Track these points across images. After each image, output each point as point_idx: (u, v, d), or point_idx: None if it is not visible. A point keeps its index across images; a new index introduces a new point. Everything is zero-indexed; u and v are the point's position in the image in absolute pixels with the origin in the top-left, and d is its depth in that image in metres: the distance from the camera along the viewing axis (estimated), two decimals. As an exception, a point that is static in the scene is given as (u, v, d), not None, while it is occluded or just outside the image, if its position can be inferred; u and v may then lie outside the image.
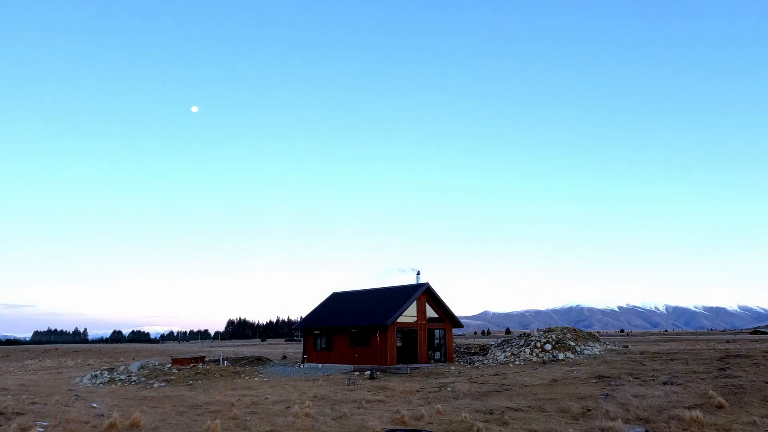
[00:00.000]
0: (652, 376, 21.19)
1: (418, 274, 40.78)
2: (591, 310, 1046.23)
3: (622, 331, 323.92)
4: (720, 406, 14.22)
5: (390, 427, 13.23)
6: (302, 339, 42.88)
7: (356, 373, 31.64)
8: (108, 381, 29.23)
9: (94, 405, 18.11)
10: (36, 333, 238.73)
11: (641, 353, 31.42)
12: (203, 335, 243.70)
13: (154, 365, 33.67)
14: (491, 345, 45.71)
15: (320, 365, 37.98)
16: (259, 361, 44.19)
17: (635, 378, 21.12)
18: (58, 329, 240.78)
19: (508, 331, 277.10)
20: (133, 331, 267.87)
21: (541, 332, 36.82)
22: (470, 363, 35.12)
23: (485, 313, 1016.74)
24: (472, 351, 46.03)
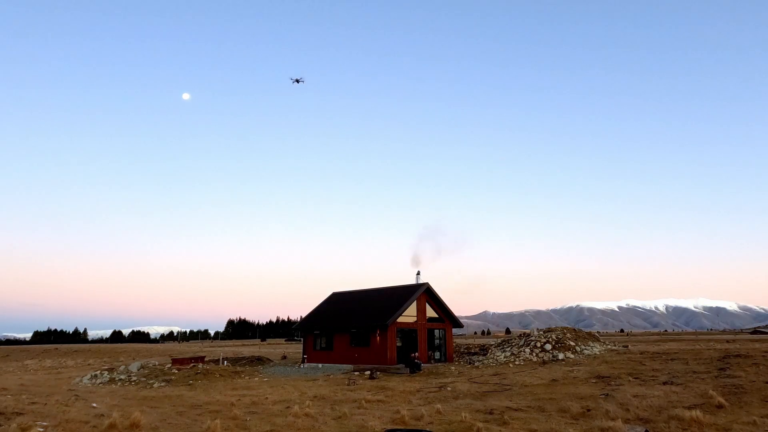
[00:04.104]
0: (652, 376, 21.18)
1: (418, 274, 40.78)
2: (591, 310, 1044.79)
3: (622, 331, 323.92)
4: (720, 406, 14.22)
5: (390, 427, 13.22)
6: (302, 339, 42.86)
7: (356, 372, 31.63)
8: (108, 381, 29.20)
9: (94, 405, 18.09)
10: (36, 333, 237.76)
11: (641, 353, 31.40)
12: (203, 335, 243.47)
13: (154, 365, 33.64)
14: (491, 345, 45.68)
15: (320, 365, 37.95)
16: (259, 361, 44.17)
17: (635, 378, 21.11)
18: (58, 329, 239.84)
19: (508, 331, 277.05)
20: (133, 331, 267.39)
21: (541, 332, 36.79)
22: (470, 363, 35.10)
23: (485, 313, 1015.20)
24: (472, 351, 46.01)
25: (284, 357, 51.37)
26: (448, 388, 21.52)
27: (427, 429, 12.61)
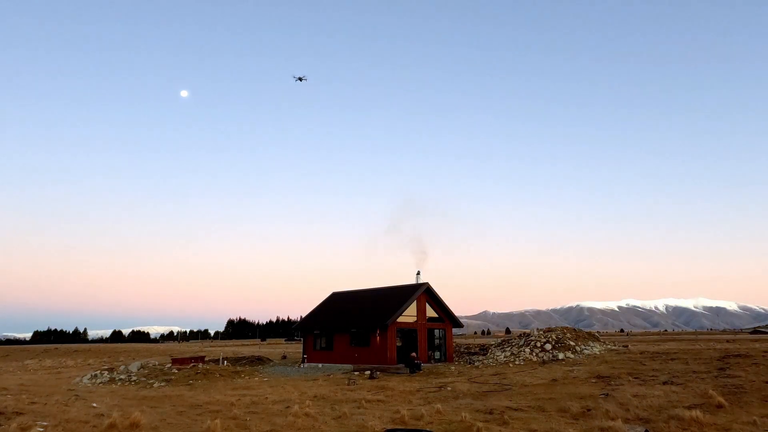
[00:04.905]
0: (652, 376, 21.18)
1: (418, 274, 40.76)
2: (591, 310, 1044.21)
3: (622, 331, 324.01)
4: (720, 406, 14.22)
5: (390, 426, 13.22)
6: (302, 339, 42.85)
7: (356, 372, 31.62)
8: (108, 381, 29.20)
9: (94, 405, 18.09)
10: (36, 333, 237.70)
11: (641, 353, 31.40)
12: (203, 335, 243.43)
13: (154, 365, 33.65)
14: (491, 345, 45.69)
15: (320, 365, 37.95)
16: (259, 360, 44.16)
17: (635, 378, 21.11)
18: (58, 329, 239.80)
19: (508, 331, 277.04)
20: (133, 331, 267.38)
21: (541, 332, 36.79)
22: (470, 363, 35.10)
23: (485, 313, 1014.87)
24: (472, 351, 46.02)
25: (284, 357, 51.37)
26: (448, 388, 21.52)
27: (427, 429, 12.60)
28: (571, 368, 25.98)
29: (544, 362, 30.21)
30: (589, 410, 14.70)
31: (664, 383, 19.04)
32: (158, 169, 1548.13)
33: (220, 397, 21.02)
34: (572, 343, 33.36)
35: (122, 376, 29.87)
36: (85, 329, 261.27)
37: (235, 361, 42.54)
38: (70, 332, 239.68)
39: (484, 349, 44.77)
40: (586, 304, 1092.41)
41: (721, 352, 28.57)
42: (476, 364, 33.44)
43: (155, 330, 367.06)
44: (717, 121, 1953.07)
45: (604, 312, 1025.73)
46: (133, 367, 32.26)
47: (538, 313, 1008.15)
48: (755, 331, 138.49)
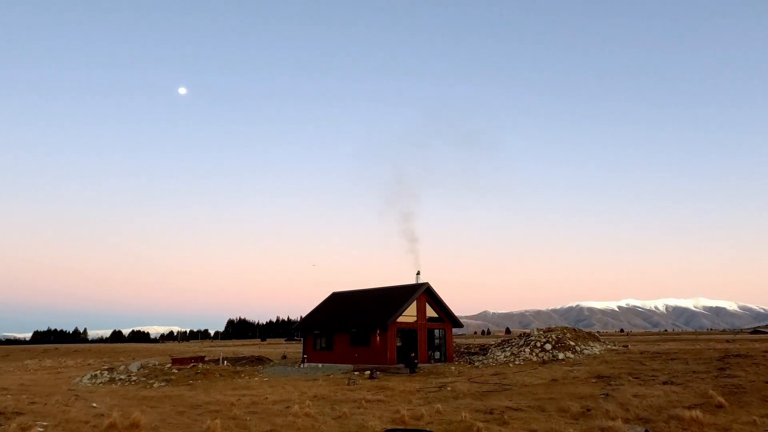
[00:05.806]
0: (652, 376, 21.18)
1: (418, 274, 40.77)
2: (591, 310, 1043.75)
3: (622, 330, 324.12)
4: (720, 406, 14.22)
5: (390, 426, 13.22)
6: (302, 339, 42.85)
7: (356, 372, 31.62)
8: (108, 381, 29.20)
9: (94, 405, 18.09)
10: (36, 333, 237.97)
11: (641, 353, 31.41)
12: (203, 335, 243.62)
13: (154, 365, 33.64)
14: (491, 345, 45.70)
15: (320, 365, 37.95)
16: (259, 360, 44.17)
17: (635, 378, 21.11)
18: (58, 329, 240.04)
19: (508, 331, 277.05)
20: (133, 331, 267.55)
21: (541, 332, 36.81)
22: (470, 363, 35.11)
23: (485, 313, 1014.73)
24: (472, 351, 46.02)
25: (284, 357, 51.37)
26: (448, 388, 21.52)
27: (427, 429, 12.60)
28: (571, 368, 25.99)
29: (544, 362, 30.20)
30: (589, 410, 14.70)
31: (664, 383, 19.05)
32: (157, 168, 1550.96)
33: (220, 397, 21.01)
34: (572, 343, 33.37)
35: (122, 376, 29.86)
36: (85, 329, 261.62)
37: (235, 361, 42.55)
38: (70, 332, 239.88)
39: (484, 349, 44.76)
40: (586, 304, 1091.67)
41: (721, 352, 28.58)
42: (476, 364, 33.44)
43: (155, 330, 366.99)
44: (716, 120, 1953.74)
45: (604, 312, 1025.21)
46: (133, 367, 32.25)
47: (538, 313, 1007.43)
48: (755, 331, 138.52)
